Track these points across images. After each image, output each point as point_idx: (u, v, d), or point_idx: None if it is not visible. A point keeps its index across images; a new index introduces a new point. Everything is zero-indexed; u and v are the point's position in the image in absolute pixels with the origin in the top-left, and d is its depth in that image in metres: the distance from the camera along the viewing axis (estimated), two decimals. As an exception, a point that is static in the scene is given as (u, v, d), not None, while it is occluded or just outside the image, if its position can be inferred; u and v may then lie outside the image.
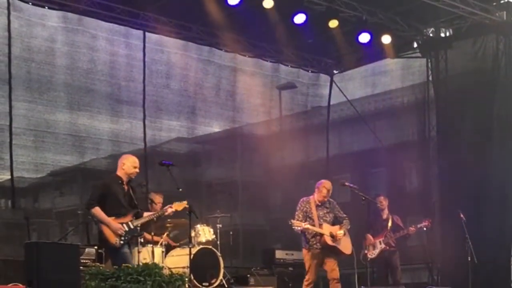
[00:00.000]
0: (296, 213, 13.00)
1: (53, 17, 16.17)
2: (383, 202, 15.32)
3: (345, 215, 13.28)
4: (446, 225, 16.92)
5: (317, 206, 13.01)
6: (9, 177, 15.43)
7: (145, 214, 11.73)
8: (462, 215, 14.44)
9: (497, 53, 17.54)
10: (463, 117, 17.92)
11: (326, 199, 13.08)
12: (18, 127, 15.52)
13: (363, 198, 13.64)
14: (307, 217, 12.90)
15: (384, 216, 15.26)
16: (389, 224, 15.16)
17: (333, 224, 13.11)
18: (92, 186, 11.64)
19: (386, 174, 21.02)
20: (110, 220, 11.14)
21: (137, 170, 11.57)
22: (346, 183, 14.15)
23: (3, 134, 15.25)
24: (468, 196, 16.94)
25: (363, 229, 14.65)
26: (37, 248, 9.88)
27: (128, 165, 11.52)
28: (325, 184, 13.10)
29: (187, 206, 12.20)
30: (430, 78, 18.84)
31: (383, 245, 15.03)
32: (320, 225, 12.91)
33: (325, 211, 13.07)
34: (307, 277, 12.96)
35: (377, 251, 15.03)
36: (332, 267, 12.99)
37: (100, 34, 16.90)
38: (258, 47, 18.79)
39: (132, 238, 11.42)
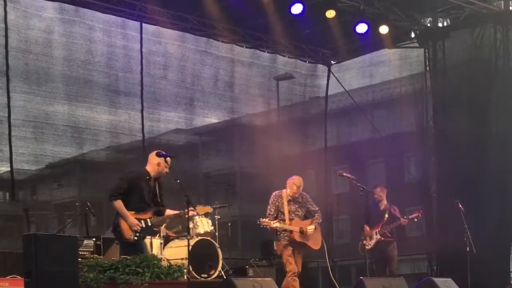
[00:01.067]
0: (268, 207, 12.97)
1: (49, 8, 16.14)
2: (380, 193, 15.33)
3: (317, 209, 13.24)
4: (445, 215, 16.94)
5: (288, 201, 12.97)
6: (8, 169, 15.42)
7: (167, 212, 11.61)
8: (460, 206, 14.44)
9: (495, 42, 17.54)
10: (461, 107, 17.91)
11: (296, 195, 13.07)
12: (17, 118, 15.51)
13: (361, 188, 13.66)
14: (278, 212, 12.89)
15: (382, 207, 15.28)
16: (386, 215, 15.18)
17: (305, 218, 13.12)
18: (119, 178, 11.46)
19: (384, 165, 21.05)
20: (129, 215, 11.04)
21: (167, 170, 11.45)
22: (344, 174, 14.16)
23: (2, 126, 15.24)
24: (467, 186, 16.95)
25: (362, 220, 14.71)
26: (36, 240, 9.83)
27: (163, 164, 11.38)
28: (295, 181, 13.05)
29: (210, 211, 12.25)
30: (428, 68, 18.83)
31: (378, 236, 15.07)
32: (291, 220, 12.89)
33: (296, 206, 13.03)
34: (287, 269, 12.89)
35: (373, 241, 15.08)
36: (296, 262, 13.00)
37: (97, 25, 16.87)
38: (255, 37, 18.75)
39: (145, 236, 11.37)
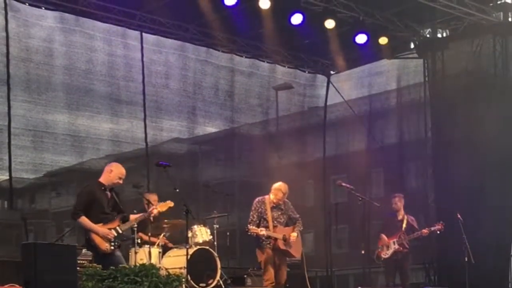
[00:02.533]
0: (251, 213, 13.03)
1: (49, 18, 16.20)
2: (398, 203, 15.27)
3: (298, 216, 13.30)
4: (444, 225, 16.94)
5: (272, 207, 13.01)
6: (7, 177, 15.44)
7: (132, 217, 11.73)
8: (459, 215, 14.46)
9: (494, 53, 17.58)
10: (459, 118, 17.94)
11: (281, 202, 13.08)
12: (17, 127, 15.53)
13: (360, 198, 13.69)
14: (261, 218, 12.91)
15: (400, 217, 15.22)
16: (404, 225, 15.14)
17: (286, 225, 13.15)
18: (77, 195, 11.59)
19: (383, 174, 21.06)
20: (98, 227, 11.14)
21: (120, 181, 11.51)
22: (343, 184, 14.21)
23: (2, 134, 15.27)
24: (465, 196, 16.97)
25: (378, 229, 14.72)
26: (34, 249, 9.88)
27: (116, 173, 11.44)
28: (282, 188, 13.11)
29: (171, 205, 12.24)
30: (427, 79, 18.87)
31: (396, 246, 15.01)
32: (274, 227, 12.95)
33: (279, 213, 13.09)
34: (265, 277, 12.97)
35: (390, 251, 15.03)
36: (280, 271, 13.07)
37: (98, 34, 16.92)
38: (254, 47, 18.81)
39: (120, 243, 11.43)
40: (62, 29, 16.35)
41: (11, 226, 16.12)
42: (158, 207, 12.09)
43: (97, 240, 11.13)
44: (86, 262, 12.28)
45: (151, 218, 12.84)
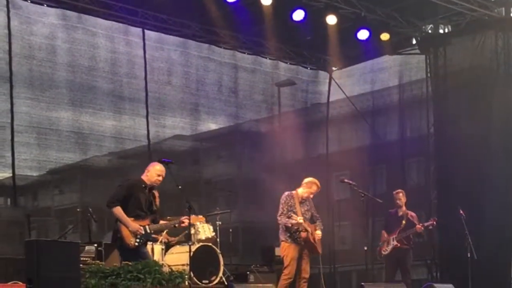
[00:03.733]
0: (281, 206, 12.86)
1: (52, 15, 16.19)
2: (402, 198, 15.25)
3: (318, 215, 13.26)
4: (446, 221, 16.95)
5: (300, 202, 12.97)
6: (11, 174, 15.46)
7: (161, 222, 11.87)
8: (461, 211, 14.47)
9: (496, 49, 17.57)
10: (461, 113, 17.94)
11: (311, 197, 13.06)
12: (20, 124, 15.53)
13: (362, 195, 13.70)
14: (290, 212, 12.82)
15: (400, 213, 15.21)
16: (403, 221, 15.15)
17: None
18: (117, 186, 11.63)
19: (385, 171, 21.07)
20: (130, 221, 11.20)
21: (160, 178, 11.58)
22: (346, 180, 14.21)
23: (5, 132, 15.26)
24: (468, 192, 16.97)
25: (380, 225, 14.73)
26: (37, 246, 9.90)
27: (152, 173, 11.54)
28: (317, 182, 13.08)
29: (202, 220, 12.35)
30: (429, 75, 18.88)
31: (395, 242, 15.02)
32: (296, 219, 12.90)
33: (306, 208, 13.02)
34: (286, 271, 12.81)
35: (390, 247, 15.05)
36: (305, 265, 12.97)
37: (100, 31, 16.93)
38: (257, 44, 18.80)
39: (146, 242, 11.49)
40: (65, 26, 16.36)
41: (14, 223, 16.16)
42: (192, 219, 12.12)
43: (125, 233, 11.18)
44: (89, 259, 12.35)
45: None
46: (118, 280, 10.60)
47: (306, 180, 13.10)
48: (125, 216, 11.19)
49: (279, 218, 12.84)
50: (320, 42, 18.53)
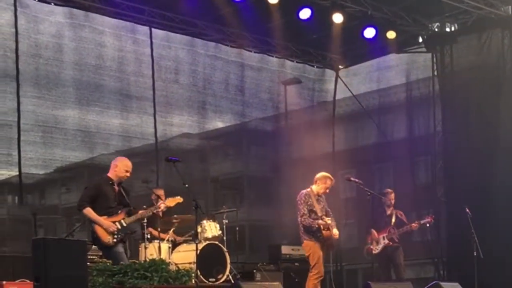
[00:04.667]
0: (301, 207, 12.70)
1: (59, 13, 16.20)
2: (393, 198, 15.30)
3: (330, 210, 13.20)
4: (453, 220, 16.94)
5: (317, 199, 12.91)
6: (17, 173, 15.49)
7: (140, 212, 11.85)
8: (468, 210, 14.45)
9: (503, 47, 17.56)
10: (468, 112, 17.93)
11: (327, 192, 13.01)
12: (27, 123, 15.55)
13: (369, 193, 13.69)
14: (311, 211, 12.81)
15: (388, 212, 15.28)
16: (393, 220, 15.19)
17: None
18: (84, 188, 11.73)
19: (392, 169, 21.06)
20: (102, 219, 11.25)
21: (128, 174, 11.66)
22: (352, 178, 14.20)
23: (12, 130, 15.28)
24: (475, 190, 16.95)
25: (368, 224, 14.71)
26: (45, 244, 9.93)
27: (121, 168, 11.62)
28: (330, 176, 13.01)
29: (180, 201, 12.29)
30: (436, 73, 18.87)
31: (386, 241, 15.07)
32: (323, 219, 12.85)
33: (322, 205, 12.93)
34: (315, 270, 12.64)
35: (380, 246, 15.09)
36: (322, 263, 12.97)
37: (107, 30, 16.94)
38: (263, 42, 18.81)
39: (125, 236, 11.51)
40: (72, 25, 16.37)
41: (21, 221, 16.19)
42: (167, 202, 12.16)
43: (100, 232, 11.24)
44: (96, 257, 12.38)
45: (160, 213, 12.91)
46: (125, 278, 10.64)
47: (319, 175, 13.00)
48: (96, 215, 11.27)
49: (302, 219, 12.69)
50: (326, 41, 18.50)
